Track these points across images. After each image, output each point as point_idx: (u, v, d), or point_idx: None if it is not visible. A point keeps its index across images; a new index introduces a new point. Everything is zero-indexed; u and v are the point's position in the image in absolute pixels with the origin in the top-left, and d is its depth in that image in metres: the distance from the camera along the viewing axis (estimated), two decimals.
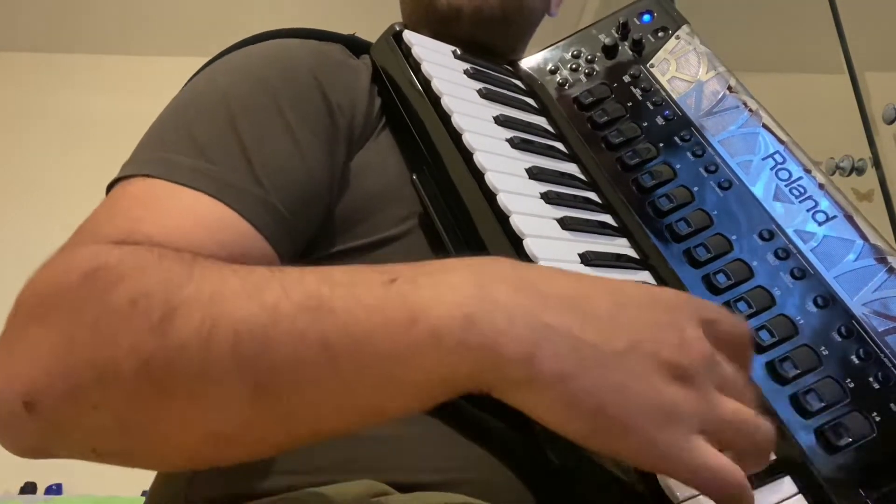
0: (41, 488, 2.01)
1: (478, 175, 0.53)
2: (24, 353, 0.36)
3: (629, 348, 0.34)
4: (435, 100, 0.57)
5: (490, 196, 0.51)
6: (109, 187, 0.49)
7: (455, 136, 0.55)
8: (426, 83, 0.58)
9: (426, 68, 0.59)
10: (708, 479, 0.33)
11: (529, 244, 0.48)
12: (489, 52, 0.69)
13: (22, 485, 2.00)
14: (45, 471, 2.01)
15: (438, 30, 0.67)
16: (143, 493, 0.56)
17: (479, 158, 0.53)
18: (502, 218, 0.50)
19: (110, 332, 0.35)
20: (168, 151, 0.48)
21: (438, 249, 0.54)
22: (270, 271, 0.36)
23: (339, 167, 0.55)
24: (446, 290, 0.34)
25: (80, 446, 0.37)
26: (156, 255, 0.38)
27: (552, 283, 0.36)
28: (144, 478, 0.49)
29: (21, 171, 2.50)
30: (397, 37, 0.62)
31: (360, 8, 1.84)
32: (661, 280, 0.53)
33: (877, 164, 1.32)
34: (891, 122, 1.29)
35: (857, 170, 1.39)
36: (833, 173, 1.39)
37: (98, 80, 2.65)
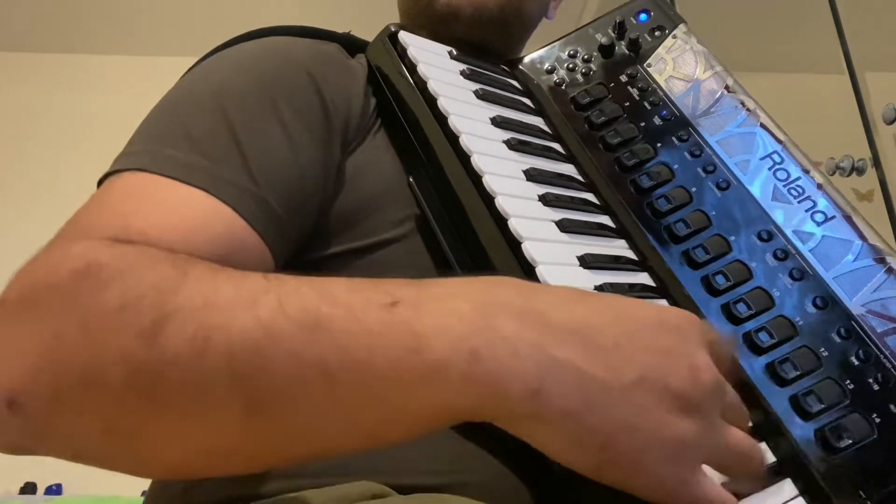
0: (41, 488, 2.01)
1: (475, 177, 0.52)
2: (8, 349, 0.35)
3: (637, 381, 0.34)
4: (431, 101, 0.57)
5: (488, 199, 0.51)
6: (101, 182, 0.47)
7: (452, 138, 0.55)
8: (422, 85, 0.58)
9: (422, 70, 0.59)
10: None
11: (528, 248, 0.48)
12: (486, 52, 0.69)
13: (22, 485, 2.01)
14: (45, 471, 2.01)
15: (436, 29, 0.66)
16: (143, 494, 0.56)
17: (477, 161, 0.53)
18: (500, 221, 0.50)
19: (98, 335, 0.33)
20: (159, 145, 0.47)
21: (436, 252, 0.54)
22: (266, 279, 0.35)
23: (334, 166, 0.54)
24: (451, 319, 0.33)
25: (62, 448, 0.35)
26: (149, 257, 0.36)
27: (559, 311, 0.35)
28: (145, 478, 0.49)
29: (21, 170, 2.50)
30: (393, 38, 0.62)
31: (357, 7, 1.84)
32: (660, 281, 0.53)
33: (877, 164, 1.32)
34: (891, 122, 1.29)
35: (857, 170, 1.38)
36: (833, 173, 1.39)
37: (98, 80, 2.65)
